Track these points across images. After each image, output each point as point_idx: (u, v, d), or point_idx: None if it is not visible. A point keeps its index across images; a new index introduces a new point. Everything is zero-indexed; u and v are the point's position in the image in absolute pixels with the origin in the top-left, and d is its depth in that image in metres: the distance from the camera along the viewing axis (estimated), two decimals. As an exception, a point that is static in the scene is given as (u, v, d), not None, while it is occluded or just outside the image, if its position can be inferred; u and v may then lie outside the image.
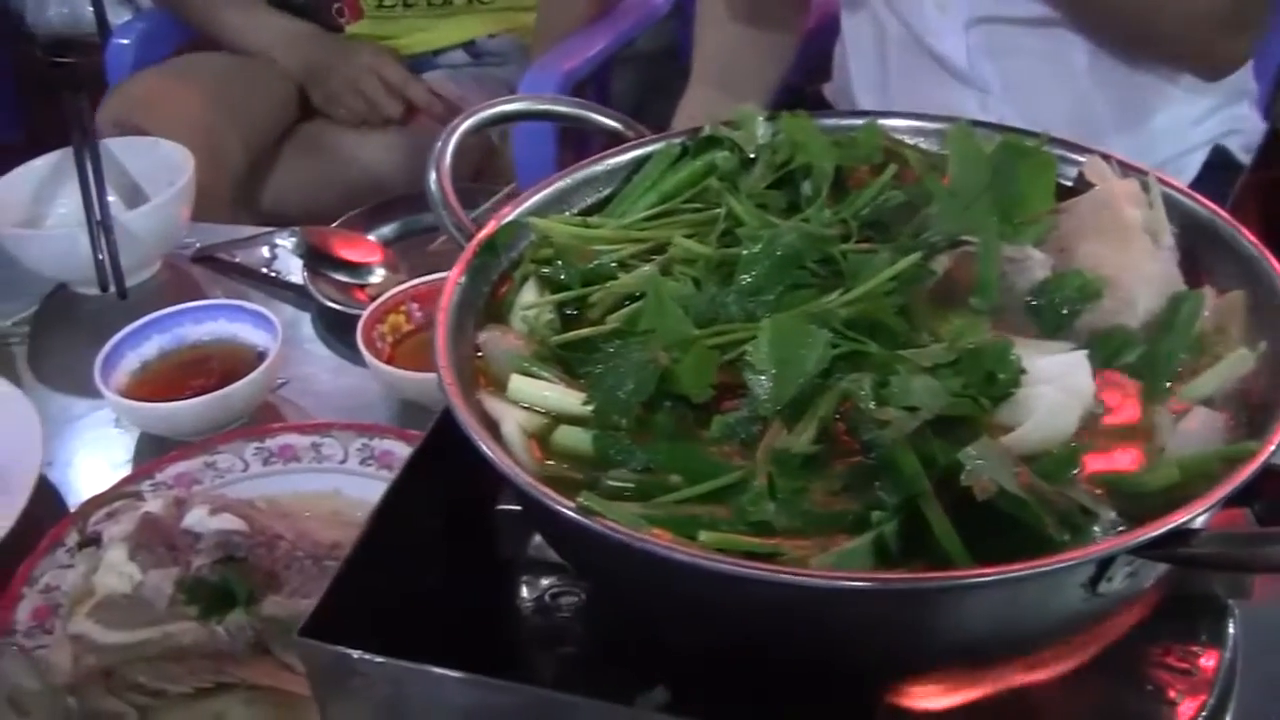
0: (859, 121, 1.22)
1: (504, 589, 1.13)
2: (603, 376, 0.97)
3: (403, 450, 1.47)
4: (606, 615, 1.11)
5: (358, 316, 1.67)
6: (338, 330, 1.79)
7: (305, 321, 1.84)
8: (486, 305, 1.10)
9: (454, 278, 1.07)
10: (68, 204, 1.96)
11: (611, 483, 0.92)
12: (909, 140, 1.23)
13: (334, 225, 1.95)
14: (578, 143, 2.63)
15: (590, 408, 0.97)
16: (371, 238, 1.94)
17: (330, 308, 1.79)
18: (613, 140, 1.26)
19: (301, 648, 0.91)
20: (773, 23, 2.20)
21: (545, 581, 1.13)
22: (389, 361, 1.59)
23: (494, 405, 0.98)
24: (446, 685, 0.88)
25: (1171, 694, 1.01)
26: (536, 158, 2.45)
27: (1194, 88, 1.91)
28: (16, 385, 1.65)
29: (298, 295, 1.88)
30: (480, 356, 1.04)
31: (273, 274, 1.94)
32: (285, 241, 1.91)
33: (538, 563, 1.14)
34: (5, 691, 0.99)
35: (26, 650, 1.14)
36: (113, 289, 1.80)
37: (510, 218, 1.13)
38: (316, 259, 1.86)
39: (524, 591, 1.13)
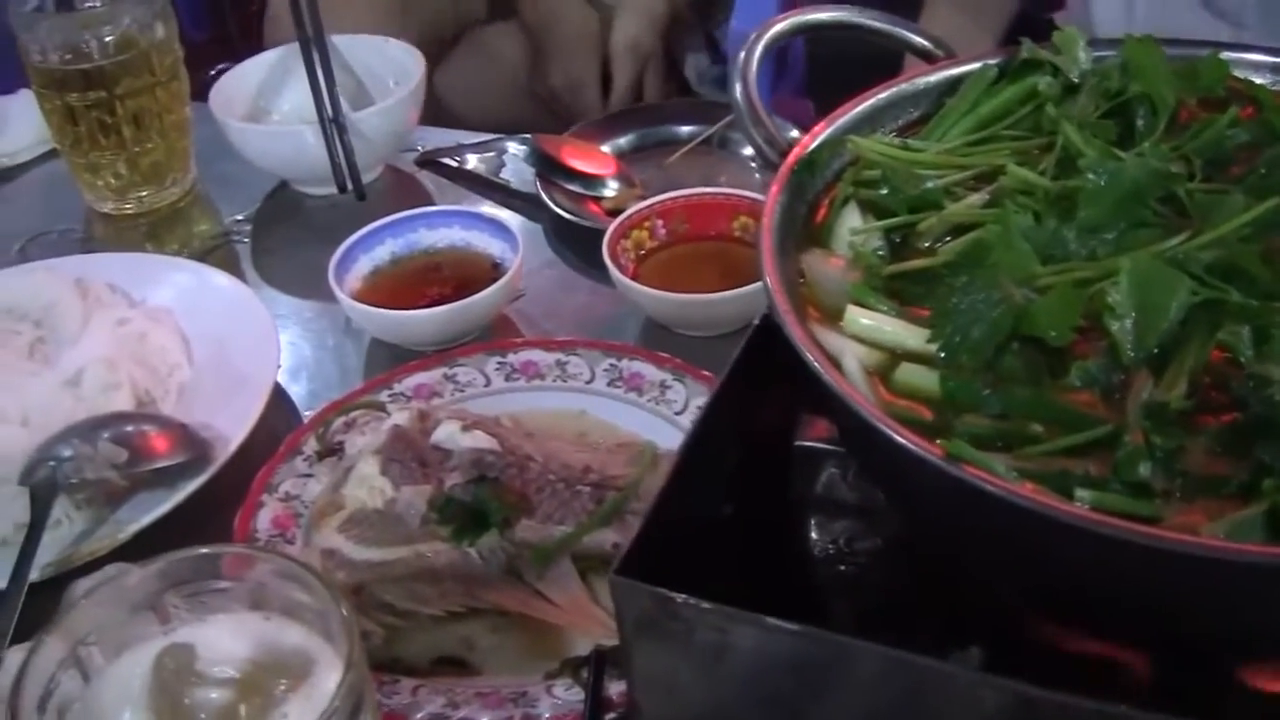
0: (1198, 52, 1.12)
1: (796, 531, 1.07)
2: (951, 313, 0.89)
3: (653, 373, 1.41)
4: (910, 565, 1.04)
5: (593, 230, 1.62)
6: (571, 243, 1.73)
7: (536, 233, 1.78)
8: (804, 227, 1.02)
9: (774, 195, 0.99)
10: (293, 100, 1.92)
11: (963, 428, 0.84)
12: (1237, 74, 1.14)
13: (565, 134, 1.89)
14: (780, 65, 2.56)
15: (935, 345, 0.89)
16: (604, 149, 1.87)
17: (566, 219, 1.73)
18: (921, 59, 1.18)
19: (616, 587, 0.85)
20: None
21: (838, 525, 1.07)
22: (633, 278, 1.53)
23: (829, 338, 0.91)
24: (778, 637, 0.82)
25: None
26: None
27: None
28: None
29: (527, 205, 1.82)
30: (804, 282, 0.97)
31: (501, 182, 1.89)
32: (516, 149, 1.85)
33: (828, 503, 1.08)
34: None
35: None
36: (350, 189, 1.75)
37: (825, 135, 1.06)
38: (548, 168, 1.80)
39: (814, 534, 1.07)
